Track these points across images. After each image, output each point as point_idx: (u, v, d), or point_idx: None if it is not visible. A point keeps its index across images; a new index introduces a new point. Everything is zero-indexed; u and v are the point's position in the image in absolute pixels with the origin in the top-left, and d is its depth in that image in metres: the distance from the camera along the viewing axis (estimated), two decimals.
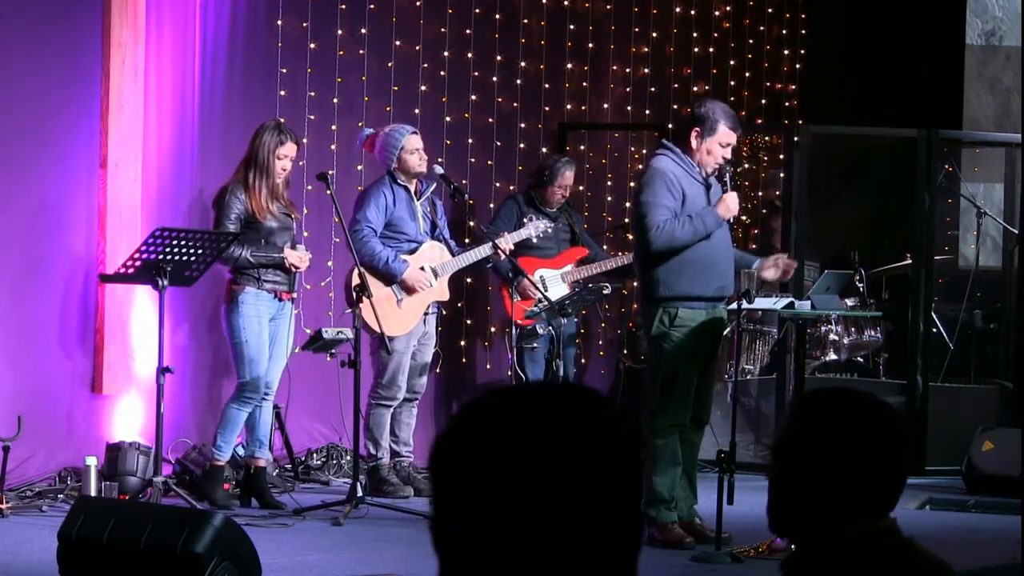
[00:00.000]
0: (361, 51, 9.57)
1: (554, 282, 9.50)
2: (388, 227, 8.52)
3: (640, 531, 1.69)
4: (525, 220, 9.07)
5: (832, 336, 10.49)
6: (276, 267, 7.98)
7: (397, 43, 9.75)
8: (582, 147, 10.82)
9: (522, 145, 10.50)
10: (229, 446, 8.00)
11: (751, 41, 11.72)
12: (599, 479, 1.63)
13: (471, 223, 9.03)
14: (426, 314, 8.67)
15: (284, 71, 9.18)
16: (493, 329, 10.35)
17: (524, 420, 1.64)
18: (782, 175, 10.73)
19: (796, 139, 10.28)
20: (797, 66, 11.91)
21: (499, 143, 10.34)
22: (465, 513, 1.63)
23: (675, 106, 11.11)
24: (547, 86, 10.65)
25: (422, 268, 8.58)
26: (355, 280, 8.06)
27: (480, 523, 1.62)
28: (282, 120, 8.11)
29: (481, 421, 1.66)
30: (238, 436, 8.21)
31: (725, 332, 8.05)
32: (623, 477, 1.66)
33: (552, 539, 1.61)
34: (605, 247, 10.23)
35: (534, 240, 9.07)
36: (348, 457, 8.93)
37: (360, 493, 7.68)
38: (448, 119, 10.05)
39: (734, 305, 7.22)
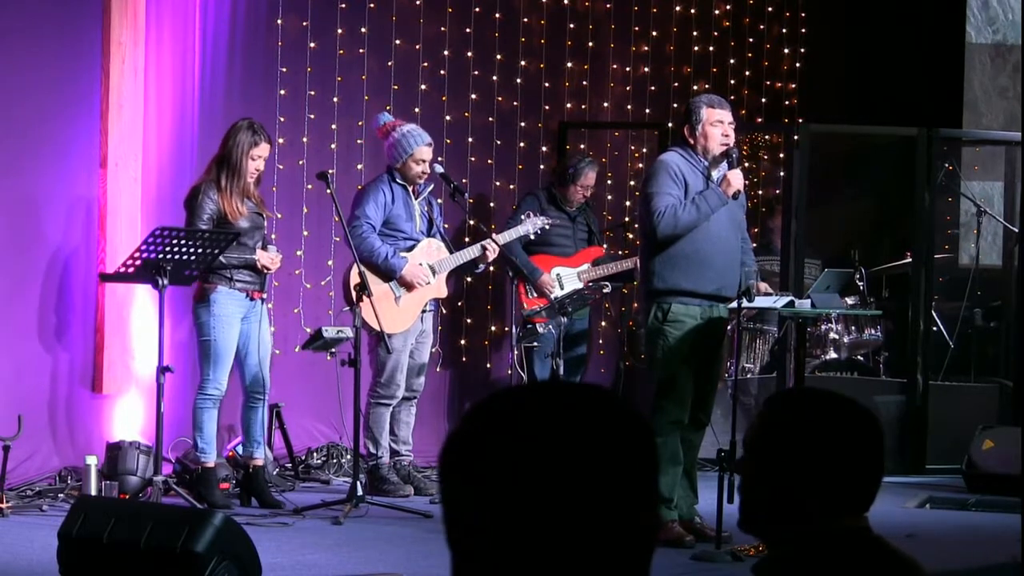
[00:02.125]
0: (361, 50, 9.57)
1: (571, 280, 9.49)
2: (386, 224, 8.50)
3: (654, 530, 1.68)
4: (523, 217, 9.06)
5: (832, 335, 10.48)
6: (247, 267, 7.93)
7: (397, 42, 9.75)
8: (582, 146, 10.82)
9: (522, 144, 10.50)
10: (210, 446, 7.94)
11: (751, 40, 11.72)
12: (612, 478, 1.63)
13: (471, 222, 9.02)
14: (424, 312, 8.66)
15: (284, 71, 9.19)
16: (493, 328, 10.35)
17: (535, 418, 1.64)
18: (782, 174, 10.73)
19: (796, 138, 10.27)
20: (797, 65, 11.90)
21: (499, 142, 10.35)
22: (476, 510, 1.63)
23: (675, 105, 11.10)
24: (547, 85, 10.65)
25: (420, 264, 8.57)
26: (354, 279, 8.04)
27: (491, 520, 1.62)
28: (254, 120, 8.02)
29: (493, 418, 1.66)
30: (238, 436, 8.20)
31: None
32: (637, 476, 1.65)
33: (564, 536, 1.61)
34: (605, 246, 10.23)
35: (531, 237, 9.05)
36: (348, 456, 8.93)
37: (360, 492, 7.68)
38: (448, 118, 10.05)
39: (734, 304, 7.23)
